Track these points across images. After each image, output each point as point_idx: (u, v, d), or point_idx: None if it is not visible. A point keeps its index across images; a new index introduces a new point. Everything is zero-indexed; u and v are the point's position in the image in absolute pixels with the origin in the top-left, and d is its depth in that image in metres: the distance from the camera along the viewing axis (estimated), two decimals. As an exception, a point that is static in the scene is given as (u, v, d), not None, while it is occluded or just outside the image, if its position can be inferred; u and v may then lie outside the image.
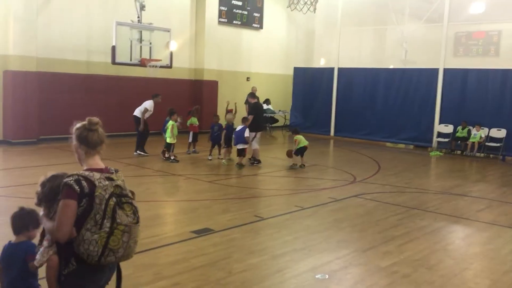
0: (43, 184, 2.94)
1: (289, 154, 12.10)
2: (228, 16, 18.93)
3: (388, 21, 17.44)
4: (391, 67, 17.33)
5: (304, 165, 11.66)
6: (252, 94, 13.14)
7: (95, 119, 2.94)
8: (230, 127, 12.09)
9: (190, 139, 13.14)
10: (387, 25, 17.71)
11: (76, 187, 2.63)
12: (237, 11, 19.28)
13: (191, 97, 17.74)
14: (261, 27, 20.27)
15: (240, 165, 11.29)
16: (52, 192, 2.83)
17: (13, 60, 13.16)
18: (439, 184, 10.60)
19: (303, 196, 8.86)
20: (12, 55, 13.17)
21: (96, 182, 2.69)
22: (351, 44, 18.38)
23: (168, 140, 11.69)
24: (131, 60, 13.39)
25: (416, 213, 7.87)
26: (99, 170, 2.81)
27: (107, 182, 2.73)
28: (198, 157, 12.69)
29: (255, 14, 19.99)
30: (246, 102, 16.94)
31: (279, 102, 20.51)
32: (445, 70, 15.70)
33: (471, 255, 6.03)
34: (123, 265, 5.02)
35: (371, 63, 17.64)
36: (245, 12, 19.57)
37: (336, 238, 6.43)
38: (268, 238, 6.31)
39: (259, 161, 11.86)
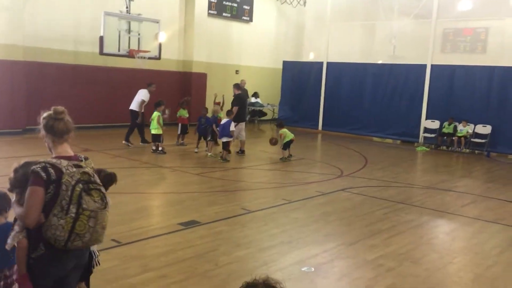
0: (15, 170, 2.99)
1: (272, 142, 12.18)
2: (218, 8, 18.83)
3: (377, 17, 17.51)
4: (380, 62, 17.41)
5: (291, 155, 11.72)
6: (237, 85, 13.19)
7: (61, 108, 2.99)
8: (215, 118, 12.06)
9: (179, 131, 13.12)
10: (376, 21, 17.78)
11: (43, 174, 2.71)
12: (227, 3, 19.18)
13: (180, 89, 17.65)
14: (250, 20, 20.21)
15: (224, 159, 11.24)
16: (24, 178, 2.86)
17: (-1, 49, 12.98)
18: (425, 179, 10.70)
19: (291, 189, 8.89)
20: (-2, 44, 12.99)
21: (63, 169, 2.77)
22: (341, 39, 18.41)
23: (153, 132, 11.62)
24: (119, 50, 13.27)
25: (402, 207, 7.94)
26: (67, 158, 2.88)
27: (74, 169, 2.81)
28: (186, 150, 12.66)
29: (245, 7, 19.91)
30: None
31: (268, 96, 20.51)
32: (433, 66, 15.80)
33: (455, 250, 6.11)
34: (109, 257, 5.02)
35: (360, 58, 17.69)
36: (235, 5, 19.48)
37: (323, 232, 6.47)
38: (255, 231, 6.33)
39: (243, 152, 12.03)
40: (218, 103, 13.79)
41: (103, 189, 2.91)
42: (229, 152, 11.52)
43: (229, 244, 5.73)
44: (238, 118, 12.10)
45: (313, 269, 5.09)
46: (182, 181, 9.31)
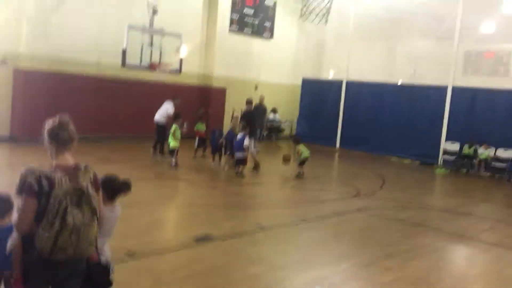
0: (23, 173, 3.02)
1: (286, 160, 12.07)
2: (239, 24, 19.00)
3: (398, 36, 17.47)
4: (400, 82, 17.32)
5: (303, 173, 11.63)
6: (247, 101, 13.13)
7: (66, 118, 3.06)
8: (231, 133, 12.08)
9: (196, 145, 13.17)
10: (397, 40, 17.73)
11: (35, 186, 2.76)
12: (248, 19, 19.36)
13: (199, 103, 17.76)
14: (271, 37, 20.33)
15: (240, 174, 11.22)
16: None
17: (24, 59, 13.27)
18: (443, 202, 10.54)
19: (306, 208, 8.83)
20: (24, 54, 13.28)
21: (56, 182, 2.81)
22: (361, 57, 18.39)
23: (171, 145, 11.67)
24: (141, 63, 13.45)
25: (419, 230, 7.82)
26: (65, 168, 2.91)
27: (67, 182, 2.84)
28: (202, 163, 12.69)
29: (266, 24, 20.05)
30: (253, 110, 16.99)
31: (286, 112, 20.52)
32: (454, 88, 15.64)
33: (472, 276, 5.98)
34: (122, 270, 5.02)
35: (380, 78, 17.63)
36: (256, 22, 19.64)
37: (337, 252, 6.40)
38: (268, 248, 6.29)
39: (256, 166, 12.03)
40: (236, 118, 13.82)
41: (94, 204, 2.92)
42: (244, 165, 11.42)
43: (242, 261, 5.69)
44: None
45: (326, 290, 5.02)
46: (197, 195, 9.31)
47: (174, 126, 11.73)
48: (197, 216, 7.62)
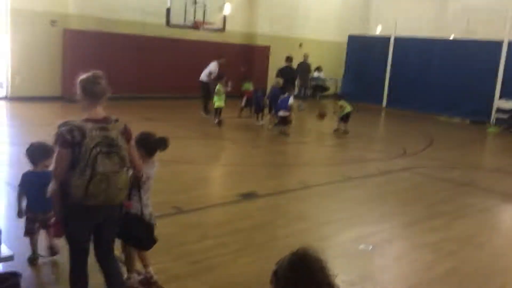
0: (59, 126, 3.17)
1: (321, 115, 11.98)
2: (284, -20, 18.52)
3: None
4: (452, 37, 16.55)
5: (348, 131, 11.51)
6: (286, 58, 12.98)
7: (100, 72, 3.16)
8: (275, 90, 12.03)
9: (243, 104, 13.18)
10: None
11: (68, 137, 2.90)
12: (293, -26, 18.81)
13: (243, 62, 17.68)
14: (317, -8, 19.75)
15: (284, 133, 11.19)
16: None
17: (72, 19, 13.53)
18: (493, 162, 10.21)
19: (350, 166, 8.77)
20: (72, 14, 13.53)
21: (87, 132, 2.93)
22: (410, 11, 17.66)
23: (216, 104, 11.66)
24: (185, 22, 13.45)
25: (467, 190, 7.65)
26: (95, 121, 3.03)
27: (97, 132, 2.96)
28: (247, 122, 12.75)
29: (311, -22, 19.44)
30: (297, 68, 16.77)
31: (331, 70, 20.12)
32: (510, 43, 14.82)
33: (522, 236, 5.84)
34: (170, 223, 5.20)
35: (430, 33, 16.90)
36: (301, -24, 19.06)
37: (381, 210, 6.37)
38: (313, 206, 6.34)
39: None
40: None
41: (123, 153, 3.04)
42: (289, 123, 11.35)
43: (287, 217, 5.78)
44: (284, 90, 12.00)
45: (370, 247, 5.04)
46: (242, 154, 9.42)
47: (218, 86, 11.77)
48: (241, 175, 7.73)
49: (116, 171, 2.99)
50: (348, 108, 11.57)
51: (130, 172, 3.26)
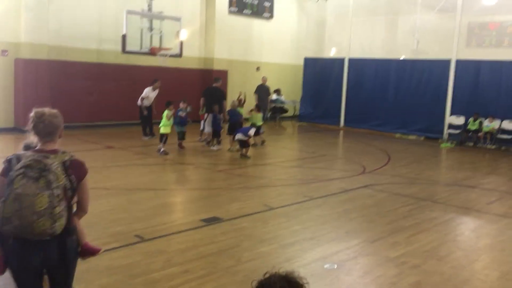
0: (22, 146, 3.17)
1: (239, 101, 13.23)
2: (239, 6, 18.83)
3: (400, 11, 17.28)
4: (403, 57, 17.17)
5: (260, 143, 11.92)
6: (215, 79, 13.32)
7: (41, 111, 3.04)
8: (232, 112, 12.33)
9: (201, 127, 13.16)
10: (399, 15, 17.54)
11: (6, 165, 2.88)
12: (247, 0, 19.16)
13: (201, 87, 17.69)
14: (271, 17, 20.16)
15: (245, 156, 11.17)
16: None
17: (24, 48, 13.23)
18: (449, 176, 10.53)
19: (312, 186, 8.85)
20: (24, 43, 13.24)
21: (23, 158, 2.86)
22: (362, 34, 18.23)
23: (161, 131, 11.16)
24: (141, 48, 13.40)
25: (426, 204, 7.83)
26: (40, 150, 2.96)
27: (32, 157, 2.85)
28: (205, 146, 12.68)
29: (266, 4, 19.86)
30: (256, 91, 16.94)
31: (290, 92, 20.43)
32: (458, 61, 15.50)
33: (481, 247, 6.00)
34: (133, 252, 5.07)
35: (383, 54, 17.49)
36: (256, 2, 19.45)
37: (345, 228, 6.42)
38: (277, 228, 6.32)
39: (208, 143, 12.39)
40: (240, 100, 13.77)
41: (52, 178, 2.81)
42: (248, 147, 11.35)
43: (252, 240, 5.73)
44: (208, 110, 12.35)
45: (335, 266, 5.06)
46: (204, 178, 9.35)
47: (166, 112, 11.30)
48: (205, 199, 7.66)
49: (35, 193, 2.74)
50: (259, 122, 12.45)
51: (63, 203, 2.87)
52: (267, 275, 1.90)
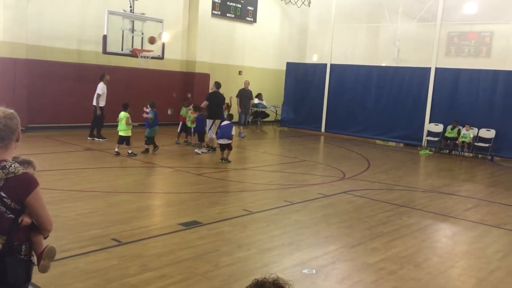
0: None
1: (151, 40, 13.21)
2: (222, 9, 18.83)
3: (381, 19, 17.47)
4: (384, 65, 17.36)
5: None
6: (215, 83, 13.05)
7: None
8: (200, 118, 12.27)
9: (179, 129, 13.15)
10: (381, 23, 17.73)
11: None
12: (231, 4, 19.17)
13: (183, 89, 17.63)
14: (254, 21, 20.20)
15: (225, 160, 11.14)
16: None
17: (2, 46, 12.98)
18: (427, 183, 10.65)
19: (292, 191, 8.85)
20: (2, 42, 12.99)
21: None
22: (345, 40, 18.37)
23: (120, 133, 10.99)
24: (122, 50, 13.28)
25: (404, 210, 7.90)
26: None
27: None
28: (186, 149, 12.62)
29: (249, 8, 19.90)
30: (238, 95, 16.92)
31: (271, 97, 20.47)
32: (437, 70, 15.74)
33: (457, 254, 6.07)
34: (109, 256, 4.99)
35: (364, 61, 17.65)
36: (239, 5, 19.47)
37: (324, 234, 6.43)
38: (256, 233, 6.30)
39: (214, 149, 12.11)
40: (226, 105, 13.71)
41: None
42: (229, 150, 11.30)
43: (230, 245, 5.69)
44: (211, 116, 12.15)
45: (314, 271, 5.05)
46: (183, 181, 9.27)
47: (124, 114, 11.12)
48: (183, 202, 7.59)
49: None
50: (190, 124, 12.72)
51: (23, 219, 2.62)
52: (262, 277, 1.90)
